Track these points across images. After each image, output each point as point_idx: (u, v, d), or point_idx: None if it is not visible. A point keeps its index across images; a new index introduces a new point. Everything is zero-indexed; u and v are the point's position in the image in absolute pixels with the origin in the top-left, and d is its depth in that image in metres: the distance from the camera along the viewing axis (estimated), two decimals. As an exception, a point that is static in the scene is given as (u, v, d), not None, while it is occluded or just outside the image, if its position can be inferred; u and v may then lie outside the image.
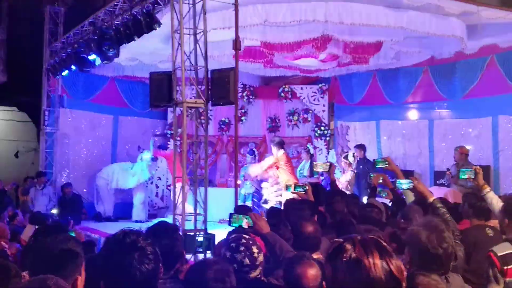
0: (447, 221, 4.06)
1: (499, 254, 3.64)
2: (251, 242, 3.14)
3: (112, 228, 10.56)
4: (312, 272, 2.84)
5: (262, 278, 3.16)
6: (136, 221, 12.29)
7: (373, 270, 1.50)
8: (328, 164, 7.01)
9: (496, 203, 4.55)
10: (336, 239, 1.60)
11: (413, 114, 13.08)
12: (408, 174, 8.13)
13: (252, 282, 3.07)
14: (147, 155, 12.77)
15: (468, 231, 4.60)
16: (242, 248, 3.08)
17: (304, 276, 2.83)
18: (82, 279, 2.58)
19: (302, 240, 3.72)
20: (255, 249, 3.10)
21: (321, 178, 11.97)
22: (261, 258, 3.11)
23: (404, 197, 5.57)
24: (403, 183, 4.99)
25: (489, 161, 11.04)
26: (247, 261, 3.05)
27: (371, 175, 6.96)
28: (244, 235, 3.21)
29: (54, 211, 11.44)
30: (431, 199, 4.52)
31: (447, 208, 4.48)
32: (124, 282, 2.05)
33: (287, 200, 5.79)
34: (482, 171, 4.79)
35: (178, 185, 8.33)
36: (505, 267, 3.60)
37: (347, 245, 1.55)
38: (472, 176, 4.75)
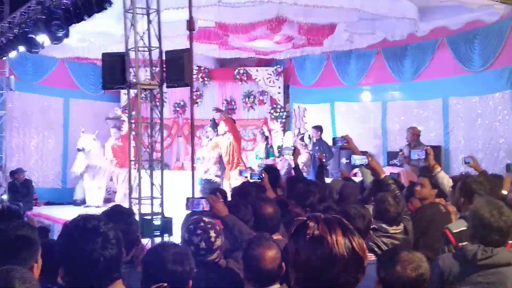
0: (397, 197, 4.21)
1: (454, 231, 3.76)
2: (209, 225, 3.10)
3: (62, 213, 10.46)
4: (271, 253, 2.84)
5: (221, 261, 3.14)
6: (87, 206, 12.13)
7: (336, 247, 1.51)
8: (292, 148, 7.10)
9: (446, 182, 4.69)
10: (300, 217, 1.60)
11: (366, 96, 13.27)
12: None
13: (208, 265, 3.05)
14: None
15: (423, 208, 4.74)
16: (199, 232, 3.06)
17: (262, 257, 2.83)
18: (38, 266, 2.50)
19: (262, 221, 3.73)
20: (212, 233, 3.07)
21: (277, 160, 12.05)
22: (219, 242, 3.08)
23: (362, 176, 5.63)
24: (357, 159, 5.07)
25: (440, 141, 11.34)
26: (203, 244, 3.02)
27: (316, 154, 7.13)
28: (204, 218, 3.18)
29: (4, 197, 11.12)
30: (382, 176, 4.64)
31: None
32: (86, 268, 1.99)
33: (244, 182, 5.77)
34: (432, 151, 4.92)
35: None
36: (460, 244, 3.67)
37: (310, 222, 1.56)
38: (423, 157, 4.88)
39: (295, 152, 6.98)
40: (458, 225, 3.83)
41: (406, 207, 4.27)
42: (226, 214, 3.69)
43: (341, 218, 1.60)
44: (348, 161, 11.10)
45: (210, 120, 12.02)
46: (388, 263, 2.51)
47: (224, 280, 3.07)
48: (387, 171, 9.63)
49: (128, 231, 3.17)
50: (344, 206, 3.60)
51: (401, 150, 10.03)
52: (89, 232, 2.03)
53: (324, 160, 7.19)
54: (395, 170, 9.81)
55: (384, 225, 3.92)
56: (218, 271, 3.09)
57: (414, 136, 9.86)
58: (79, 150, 12.29)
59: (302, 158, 11.40)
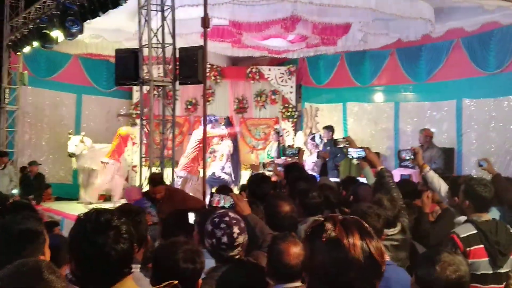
0: (391, 189, 4.23)
1: (461, 236, 3.62)
2: (234, 221, 3.06)
3: (73, 209, 10.48)
4: (296, 249, 2.80)
5: (242, 258, 3.10)
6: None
7: (352, 251, 1.46)
8: (296, 151, 7.13)
9: (437, 181, 4.59)
10: (317, 218, 1.55)
11: (379, 96, 13.19)
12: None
13: (227, 260, 3.02)
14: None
15: (447, 214, 4.68)
16: (223, 226, 3.01)
17: (287, 252, 2.79)
18: (46, 258, 2.49)
19: (277, 220, 3.65)
20: (236, 229, 3.03)
21: (288, 159, 12.00)
22: (241, 239, 3.03)
23: (365, 177, 5.53)
24: (353, 152, 4.93)
25: (453, 144, 11.21)
26: (225, 239, 2.98)
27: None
28: (230, 213, 3.14)
29: (15, 191, 11.17)
30: (379, 168, 4.58)
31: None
32: (97, 262, 1.97)
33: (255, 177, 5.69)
34: (421, 151, 4.86)
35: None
36: (468, 249, 3.59)
37: (327, 224, 1.50)
38: (411, 157, 4.81)
39: (300, 154, 6.98)
40: (465, 229, 3.69)
41: (400, 200, 4.20)
42: (248, 213, 3.65)
43: (360, 220, 1.54)
44: (358, 162, 11.03)
45: (224, 118, 12.01)
46: (427, 263, 2.47)
47: (247, 274, 3.02)
48: (399, 172, 9.64)
49: (136, 229, 3.15)
50: (359, 205, 3.55)
51: (413, 151, 9.93)
52: (102, 225, 2.00)
53: (327, 159, 7.21)
54: (407, 171, 9.76)
55: None
56: (239, 265, 3.04)
57: (426, 138, 9.78)
58: (70, 156, 12.22)
59: (313, 158, 11.36)
